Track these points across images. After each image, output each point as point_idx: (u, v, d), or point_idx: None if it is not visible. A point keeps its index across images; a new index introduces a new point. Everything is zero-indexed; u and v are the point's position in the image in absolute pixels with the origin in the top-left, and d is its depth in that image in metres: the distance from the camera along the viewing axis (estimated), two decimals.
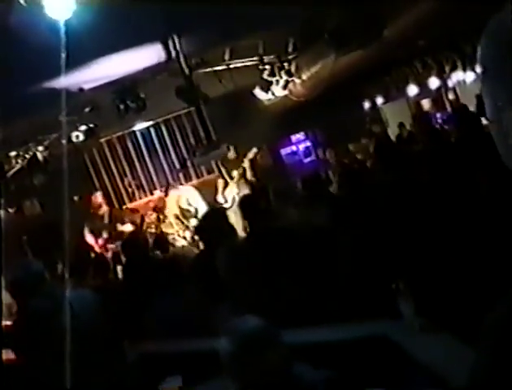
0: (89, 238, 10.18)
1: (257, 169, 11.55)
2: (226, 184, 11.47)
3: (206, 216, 6.64)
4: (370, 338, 3.52)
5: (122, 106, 9.70)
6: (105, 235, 10.07)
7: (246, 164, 11.27)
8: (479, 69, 1.03)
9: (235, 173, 11.30)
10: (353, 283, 4.25)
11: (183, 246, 9.93)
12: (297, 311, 4.10)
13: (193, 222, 10.21)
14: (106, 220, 10.43)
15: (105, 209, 10.55)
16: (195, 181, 13.87)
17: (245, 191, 10.78)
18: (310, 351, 3.36)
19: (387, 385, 3.13)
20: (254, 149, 11.35)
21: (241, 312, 2.80)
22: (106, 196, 11.97)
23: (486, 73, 0.99)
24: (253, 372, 2.55)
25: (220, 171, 11.83)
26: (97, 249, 9.89)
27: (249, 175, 11.33)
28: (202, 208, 10.46)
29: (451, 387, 2.49)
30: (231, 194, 11.20)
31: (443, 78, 13.60)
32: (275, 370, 2.56)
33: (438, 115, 14.95)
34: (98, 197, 10.65)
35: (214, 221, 6.00)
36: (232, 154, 11.17)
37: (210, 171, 13.69)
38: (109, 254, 9.65)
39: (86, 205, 10.78)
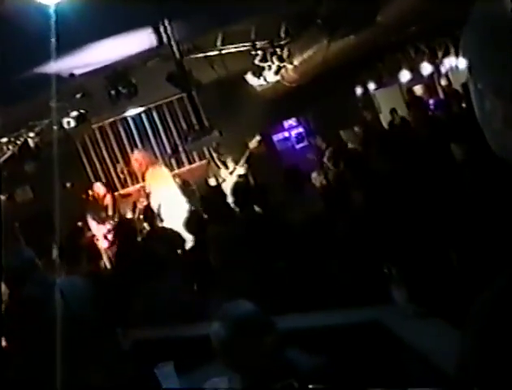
0: (94, 226, 10.15)
1: (255, 159, 11.50)
2: (218, 169, 11.46)
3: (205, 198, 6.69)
4: (364, 324, 3.53)
5: (113, 92, 9.65)
6: (108, 225, 10.03)
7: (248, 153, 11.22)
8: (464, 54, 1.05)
9: (231, 163, 11.24)
10: (346, 269, 4.26)
11: None
12: (291, 297, 4.11)
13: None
14: (110, 211, 10.42)
15: (109, 199, 10.52)
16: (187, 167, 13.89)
17: (237, 178, 10.78)
18: (303, 337, 3.37)
19: (380, 370, 3.15)
20: (257, 137, 11.29)
21: (234, 297, 2.80)
22: (107, 185, 11.90)
23: (469, 58, 1.01)
24: (247, 357, 2.55)
25: (212, 157, 11.81)
26: (99, 237, 9.85)
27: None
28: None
29: (444, 372, 2.50)
30: (221, 179, 11.19)
31: (435, 64, 13.59)
32: (269, 355, 2.56)
33: (430, 101, 14.94)
34: (100, 188, 10.58)
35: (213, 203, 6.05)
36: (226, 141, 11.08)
37: (201, 157, 13.69)
38: (105, 243, 9.64)
39: (82, 194, 10.76)
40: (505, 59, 0.91)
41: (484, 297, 0.98)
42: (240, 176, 10.96)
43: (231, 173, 11.22)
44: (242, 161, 11.21)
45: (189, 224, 6.57)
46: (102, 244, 9.58)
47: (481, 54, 0.97)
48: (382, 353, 3.33)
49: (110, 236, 9.61)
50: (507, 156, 0.99)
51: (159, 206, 9.67)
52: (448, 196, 4.42)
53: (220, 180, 11.26)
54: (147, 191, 10.34)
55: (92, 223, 10.26)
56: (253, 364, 2.57)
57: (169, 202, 9.65)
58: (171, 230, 7.09)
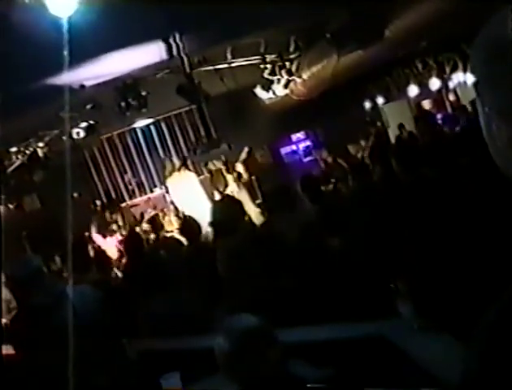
0: (97, 238, 10.18)
1: (252, 169, 11.53)
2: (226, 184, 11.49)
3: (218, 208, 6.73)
4: (368, 338, 3.54)
5: (123, 104, 9.70)
6: (119, 236, 10.06)
7: (240, 167, 11.24)
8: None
9: (229, 177, 11.27)
10: (351, 282, 4.27)
11: None
12: (296, 310, 4.11)
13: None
14: (121, 222, 10.45)
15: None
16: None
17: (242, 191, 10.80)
18: (308, 350, 3.38)
19: (385, 385, 3.15)
20: (246, 149, 11.32)
21: (239, 310, 2.82)
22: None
23: (475, 79, 1.03)
24: (251, 370, 2.57)
25: (216, 172, 11.86)
26: (108, 249, 9.85)
27: (244, 176, 11.31)
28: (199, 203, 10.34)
29: (448, 387, 2.51)
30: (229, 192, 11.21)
31: (444, 79, 13.61)
32: (273, 368, 2.57)
33: (438, 116, 14.94)
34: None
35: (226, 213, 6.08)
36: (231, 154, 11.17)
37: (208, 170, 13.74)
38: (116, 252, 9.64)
39: (90, 204, 10.83)
40: (510, 82, 0.93)
41: (492, 311, 0.99)
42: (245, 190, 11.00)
43: (237, 186, 11.24)
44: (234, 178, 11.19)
45: (185, 230, 6.61)
46: (113, 255, 9.58)
47: (487, 76, 0.99)
48: (387, 366, 3.34)
49: (120, 247, 9.62)
50: None
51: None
52: (453, 209, 4.42)
53: (227, 193, 11.27)
54: (168, 199, 10.49)
55: (97, 238, 10.26)
56: (256, 377, 2.57)
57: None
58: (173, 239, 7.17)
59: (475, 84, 1.03)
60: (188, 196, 10.58)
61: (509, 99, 0.94)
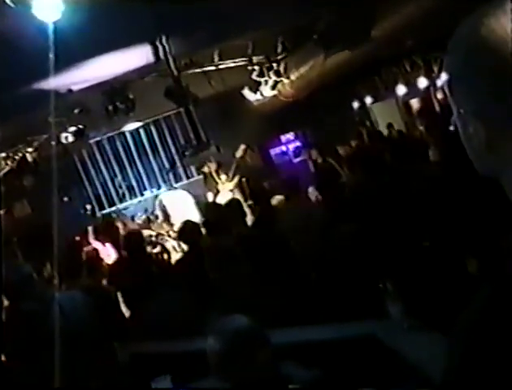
0: (96, 244, 10.05)
1: (247, 167, 11.54)
2: (217, 187, 11.47)
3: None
4: (359, 337, 3.55)
5: (111, 107, 9.67)
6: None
7: (235, 165, 11.25)
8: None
9: (223, 177, 11.28)
10: (342, 283, 4.28)
11: None
12: (287, 311, 4.12)
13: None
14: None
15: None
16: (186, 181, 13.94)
17: (236, 193, 10.81)
18: (299, 350, 3.38)
19: (375, 384, 3.16)
20: (242, 146, 11.32)
21: (230, 312, 2.82)
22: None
23: (450, 80, 1.03)
24: (242, 371, 2.57)
25: (209, 174, 11.84)
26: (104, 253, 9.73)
27: (239, 176, 11.34)
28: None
29: (438, 386, 2.51)
30: (222, 196, 11.20)
31: (431, 78, 13.65)
32: (263, 369, 2.58)
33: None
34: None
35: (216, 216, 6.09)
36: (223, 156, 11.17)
37: (199, 172, 13.73)
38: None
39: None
40: (485, 85, 0.93)
41: (469, 313, 1.00)
42: (234, 190, 11.01)
43: (226, 186, 11.24)
44: (231, 173, 11.25)
45: (183, 234, 6.60)
46: (109, 258, 9.43)
47: (461, 76, 0.99)
48: (378, 366, 3.35)
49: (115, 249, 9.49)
50: (489, 176, 1.01)
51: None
52: (442, 210, 4.44)
53: (217, 194, 11.27)
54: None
55: (96, 244, 10.11)
56: (247, 378, 2.58)
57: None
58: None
59: (449, 85, 1.03)
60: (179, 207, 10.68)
61: (484, 101, 0.94)
